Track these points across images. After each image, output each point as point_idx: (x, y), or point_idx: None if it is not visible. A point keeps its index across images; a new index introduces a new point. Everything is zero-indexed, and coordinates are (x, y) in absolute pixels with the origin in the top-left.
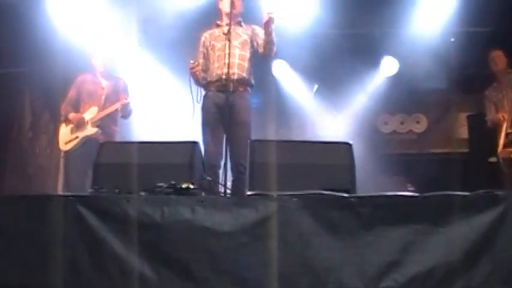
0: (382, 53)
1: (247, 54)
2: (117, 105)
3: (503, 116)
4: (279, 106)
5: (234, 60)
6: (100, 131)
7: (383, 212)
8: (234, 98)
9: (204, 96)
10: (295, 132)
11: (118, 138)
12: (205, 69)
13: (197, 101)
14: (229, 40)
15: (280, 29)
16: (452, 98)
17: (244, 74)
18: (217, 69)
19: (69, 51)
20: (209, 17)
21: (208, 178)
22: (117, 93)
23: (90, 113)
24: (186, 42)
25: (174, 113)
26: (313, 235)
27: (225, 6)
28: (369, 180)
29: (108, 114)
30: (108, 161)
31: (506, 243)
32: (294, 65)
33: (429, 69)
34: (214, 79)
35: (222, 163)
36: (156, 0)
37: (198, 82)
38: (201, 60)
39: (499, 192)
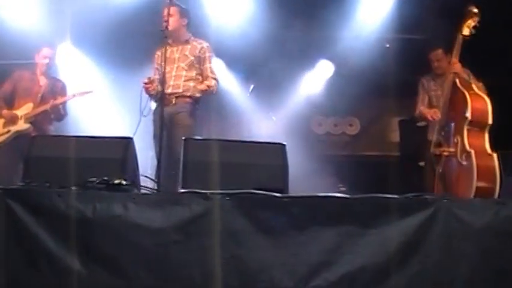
0: (318, 56)
1: (198, 76)
2: (47, 106)
3: (434, 117)
4: (215, 105)
5: (179, 83)
6: (32, 128)
7: (315, 212)
8: (177, 108)
9: (154, 110)
10: (231, 132)
11: None
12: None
13: (143, 114)
14: (165, 61)
15: (217, 28)
16: (385, 102)
17: (189, 93)
18: (166, 88)
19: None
20: (149, 10)
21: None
22: (54, 93)
23: (25, 109)
24: (125, 37)
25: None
26: (246, 234)
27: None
28: (302, 180)
29: (43, 112)
30: (40, 154)
31: (434, 246)
32: (230, 64)
33: (363, 74)
34: (157, 93)
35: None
36: None
37: (151, 97)
38: (156, 77)
39: (428, 196)
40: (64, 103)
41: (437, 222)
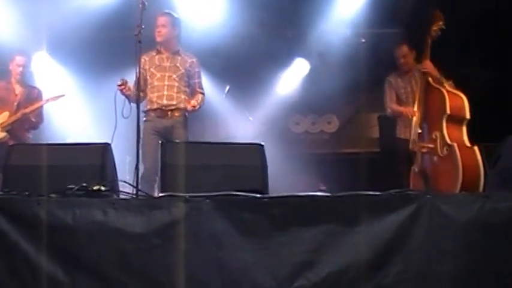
0: (293, 54)
1: (185, 88)
2: (18, 115)
3: (412, 114)
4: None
5: (172, 93)
6: (9, 136)
7: (296, 212)
8: (173, 122)
9: (144, 121)
10: (208, 133)
11: None
12: (143, 90)
13: (122, 115)
14: (139, 71)
15: (189, 27)
16: (362, 98)
17: (182, 105)
18: (157, 99)
19: None
20: (125, 16)
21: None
22: (30, 101)
23: (1, 118)
24: (101, 43)
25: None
26: (226, 236)
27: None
28: (282, 180)
29: (19, 120)
30: (18, 163)
31: (417, 243)
32: (205, 65)
33: (339, 70)
34: (154, 107)
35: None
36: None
37: (129, 99)
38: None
39: (411, 192)
40: (37, 110)
41: (421, 217)
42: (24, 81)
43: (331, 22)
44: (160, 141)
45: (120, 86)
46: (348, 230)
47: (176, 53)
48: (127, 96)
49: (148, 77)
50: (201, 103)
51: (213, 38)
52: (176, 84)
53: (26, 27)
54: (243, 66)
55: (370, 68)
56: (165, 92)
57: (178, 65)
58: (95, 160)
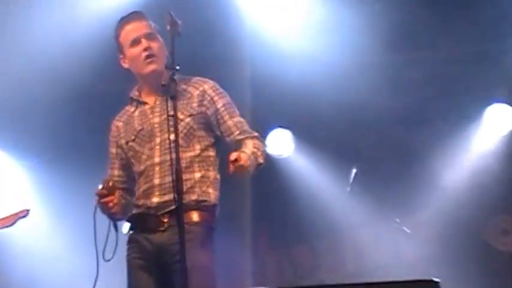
0: (483, 97)
1: (199, 151)
2: None
3: None
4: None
5: (169, 179)
6: None
7: None
8: (171, 237)
9: (127, 243)
10: (321, 265)
11: None
12: (128, 189)
13: (103, 257)
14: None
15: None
16: None
17: (196, 197)
18: (143, 197)
19: None
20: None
21: None
22: None
23: None
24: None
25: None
26: None
27: (134, 54)
28: None
29: None
30: None
31: None
32: (304, 136)
33: None
34: (141, 210)
35: None
36: None
37: (113, 218)
38: (116, 172)
39: None
40: None
41: None
42: None
43: None
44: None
45: (101, 196)
46: None
47: (169, 86)
48: (113, 216)
49: (130, 158)
50: (262, 158)
51: (321, 86)
52: (182, 154)
53: None
54: (374, 126)
55: None
56: (156, 181)
57: (181, 106)
58: None
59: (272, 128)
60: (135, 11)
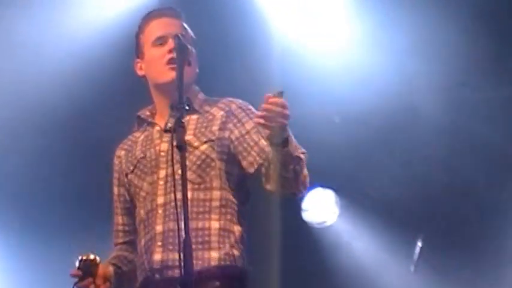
0: None
1: (219, 191)
2: None
3: None
4: None
5: (179, 227)
6: None
7: None
8: None
9: None
10: None
11: None
12: (130, 250)
13: None
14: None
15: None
16: None
17: (216, 252)
18: (145, 251)
19: None
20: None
21: None
22: None
23: None
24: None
25: None
26: None
27: (156, 67)
28: None
29: None
30: None
31: None
32: (353, 195)
33: None
34: (145, 274)
35: None
36: None
37: None
38: (120, 220)
39: None
40: None
41: None
42: None
43: None
44: None
45: (75, 277)
46: None
47: (176, 131)
48: None
49: (135, 199)
50: (302, 156)
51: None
52: (189, 194)
53: None
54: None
55: None
56: (158, 227)
57: (190, 138)
58: None
59: (311, 187)
60: (170, 7)
